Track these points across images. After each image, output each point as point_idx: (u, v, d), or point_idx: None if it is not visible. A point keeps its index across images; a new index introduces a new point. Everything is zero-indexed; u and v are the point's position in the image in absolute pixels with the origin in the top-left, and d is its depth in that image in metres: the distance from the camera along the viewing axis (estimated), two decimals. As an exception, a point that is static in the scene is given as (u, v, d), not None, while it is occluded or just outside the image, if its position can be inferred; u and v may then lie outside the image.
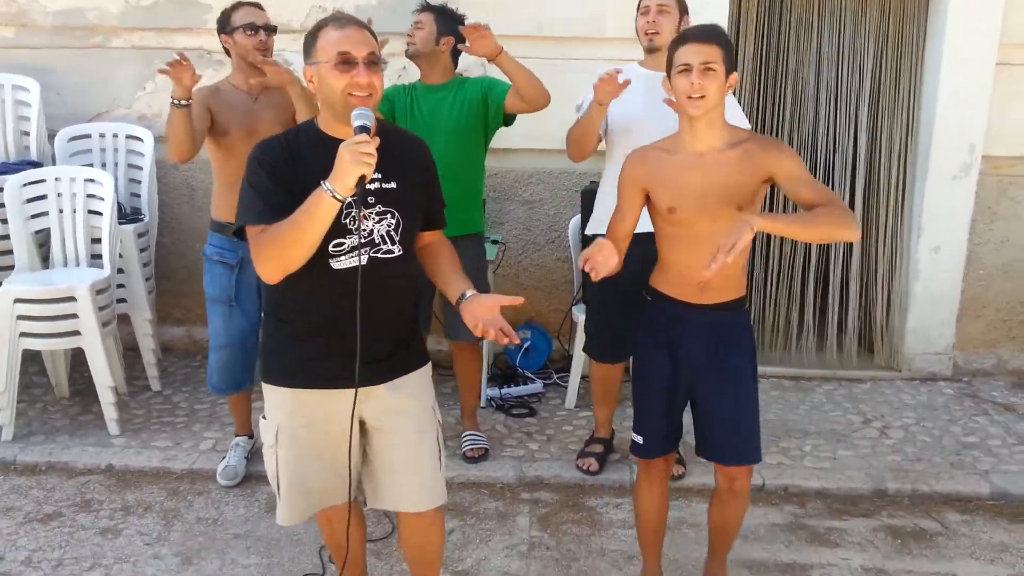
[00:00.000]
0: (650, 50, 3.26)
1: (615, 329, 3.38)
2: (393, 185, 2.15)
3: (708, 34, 2.38)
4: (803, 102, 4.64)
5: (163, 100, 4.55)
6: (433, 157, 2.34)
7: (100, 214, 4.02)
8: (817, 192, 2.39)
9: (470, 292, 2.21)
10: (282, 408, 2.24)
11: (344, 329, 2.08)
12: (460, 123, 3.44)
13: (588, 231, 3.54)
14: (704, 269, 2.22)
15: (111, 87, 4.67)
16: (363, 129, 1.96)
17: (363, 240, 2.11)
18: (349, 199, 1.98)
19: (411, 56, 3.50)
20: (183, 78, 3.05)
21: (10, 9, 4.60)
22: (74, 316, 3.70)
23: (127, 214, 4.36)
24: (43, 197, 4.04)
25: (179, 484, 3.48)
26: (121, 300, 4.19)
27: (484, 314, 2.14)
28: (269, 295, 2.24)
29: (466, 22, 3.44)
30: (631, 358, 2.99)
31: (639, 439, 2.63)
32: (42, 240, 4.14)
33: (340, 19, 2.11)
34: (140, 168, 4.48)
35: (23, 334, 3.71)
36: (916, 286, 4.60)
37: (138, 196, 4.49)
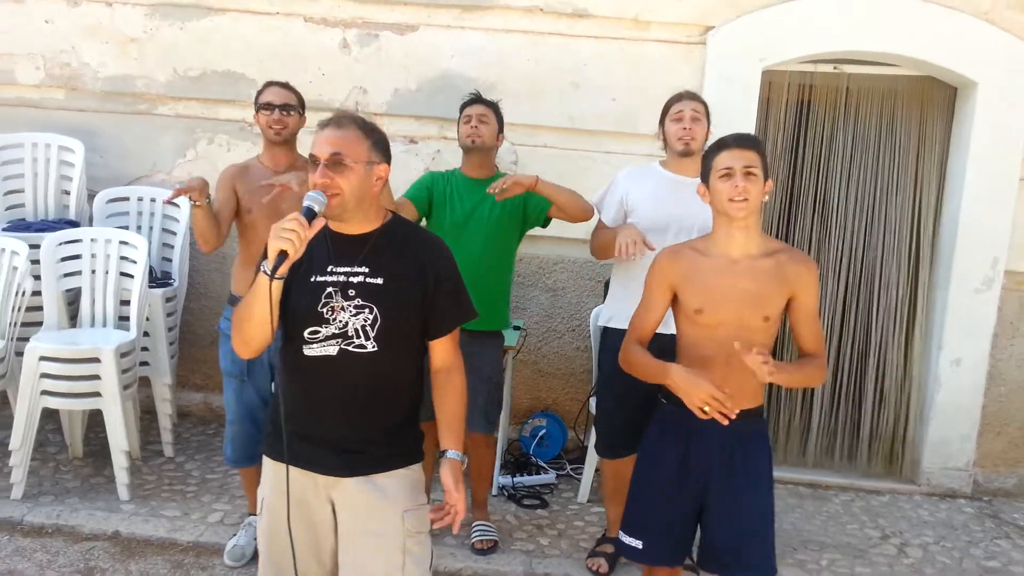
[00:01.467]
0: (685, 154, 3.32)
1: (626, 424, 3.34)
2: (379, 281, 2.14)
3: (748, 140, 2.46)
4: (827, 211, 4.69)
5: (202, 168, 4.72)
6: (452, 259, 2.28)
7: (132, 276, 4.08)
8: (815, 338, 2.51)
9: (450, 453, 2.18)
10: (268, 479, 2.25)
11: (317, 415, 2.12)
12: (501, 221, 3.48)
13: (601, 322, 3.55)
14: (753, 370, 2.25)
15: (153, 153, 4.80)
16: (308, 211, 2.00)
17: (336, 332, 2.12)
18: (329, 288, 2.09)
19: (472, 149, 3.51)
20: (194, 193, 3.14)
21: (64, 72, 4.78)
22: (96, 377, 3.73)
23: (157, 278, 4.43)
24: (77, 257, 4.11)
25: (184, 556, 3.45)
26: (143, 363, 4.22)
27: (455, 486, 2.13)
28: (276, 376, 2.30)
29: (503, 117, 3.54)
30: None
31: (636, 543, 2.55)
32: (72, 298, 4.20)
33: (328, 119, 2.17)
34: (174, 233, 4.57)
35: (44, 392, 3.74)
36: (936, 398, 4.56)
37: (170, 260, 4.57)
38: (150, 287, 4.21)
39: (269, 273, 1.96)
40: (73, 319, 4.19)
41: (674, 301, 2.55)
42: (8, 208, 4.57)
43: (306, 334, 2.12)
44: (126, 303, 4.10)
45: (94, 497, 3.80)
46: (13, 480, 3.73)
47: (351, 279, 2.13)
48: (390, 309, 2.14)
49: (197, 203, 3.16)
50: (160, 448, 4.30)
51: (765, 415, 2.64)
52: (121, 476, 3.79)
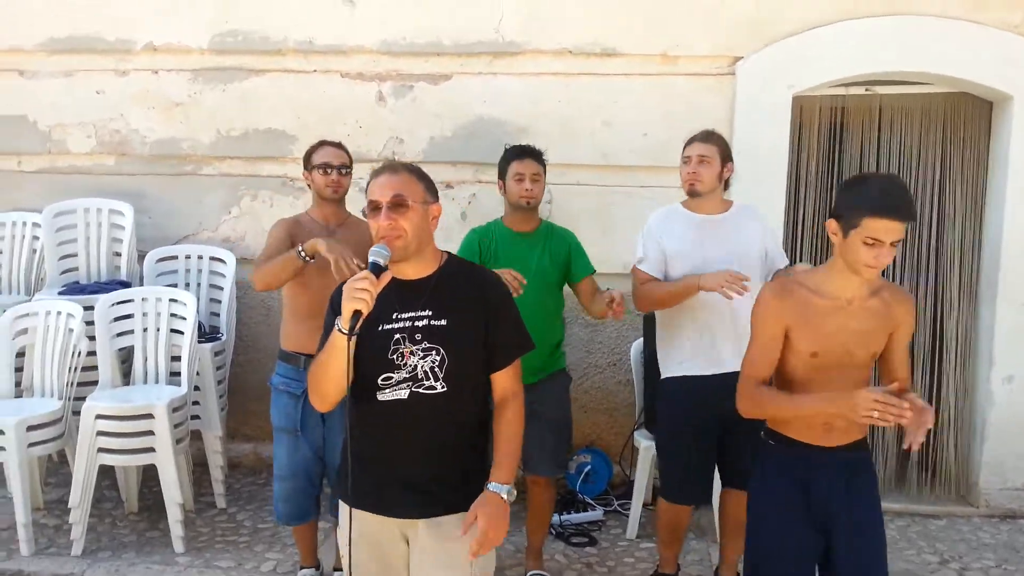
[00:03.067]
0: (692, 195, 3.41)
1: (691, 465, 3.35)
2: (443, 323, 2.21)
3: (907, 213, 2.32)
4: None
5: (246, 224, 4.88)
6: (508, 293, 2.37)
7: (181, 333, 4.21)
8: (905, 371, 2.51)
9: (491, 486, 2.19)
10: (347, 524, 2.30)
11: (391, 459, 2.17)
12: (548, 272, 3.51)
13: (665, 374, 3.46)
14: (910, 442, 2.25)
15: (199, 211, 4.96)
16: (374, 266, 2.07)
17: (406, 376, 2.18)
18: (396, 335, 2.16)
19: (526, 209, 3.51)
20: (343, 270, 3.05)
21: (113, 139, 4.98)
22: (150, 433, 3.83)
23: (206, 332, 4.55)
24: (130, 316, 4.26)
25: (239, 606, 3.52)
26: (194, 416, 4.32)
27: (479, 520, 2.13)
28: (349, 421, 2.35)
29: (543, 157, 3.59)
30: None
31: None
32: (124, 356, 4.34)
33: (380, 168, 2.26)
34: (221, 288, 4.70)
35: (101, 449, 3.85)
36: (990, 416, 4.45)
37: (217, 315, 4.69)
38: (199, 342, 4.33)
39: (346, 332, 2.04)
40: (126, 376, 4.32)
41: (784, 342, 2.49)
42: (63, 272, 4.75)
43: (379, 381, 2.18)
44: (177, 359, 4.22)
45: (150, 551, 3.89)
46: (73, 536, 3.83)
47: (416, 323, 2.20)
48: (456, 349, 2.21)
49: (310, 259, 3.19)
50: (212, 500, 4.39)
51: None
52: (176, 529, 3.87)
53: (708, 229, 3.34)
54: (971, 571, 3.87)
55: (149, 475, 4.20)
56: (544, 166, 3.57)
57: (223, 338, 4.59)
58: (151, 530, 4.09)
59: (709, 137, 3.42)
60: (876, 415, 2.22)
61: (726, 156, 3.41)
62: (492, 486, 2.19)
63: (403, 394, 2.19)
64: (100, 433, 3.83)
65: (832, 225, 2.40)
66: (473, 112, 4.70)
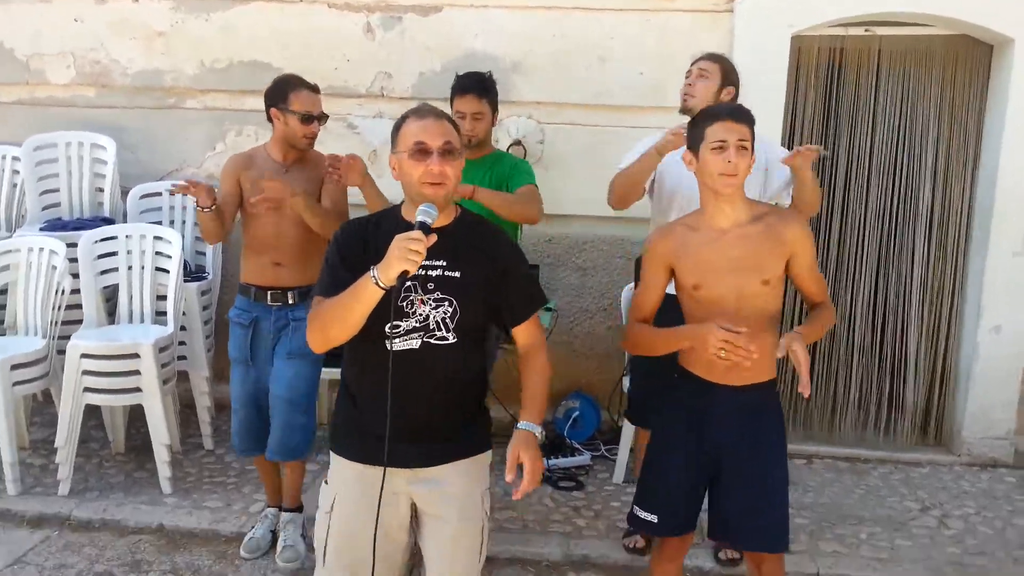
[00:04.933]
0: (683, 111, 3.32)
1: (658, 392, 3.38)
2: (457, 274, 2.20)
3: (743, 113, 2.44)
4: (861, 177, 4.59)
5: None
6: (518, 249, 2.37)
7: (167, 272, 4.15)
8: (820, 288, 2.53)
9: (521, 424, 2.21)
10: (341, 478, 2.30)
11: (397, 407, 2.13)
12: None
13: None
14: (802, 389, 2.28)
15: (182, 146, 4.85)
16: (422, 226, 2.03)
17: (417, 325, 2.18)
18: (409, 283, 2.12)
19: (467, 145, 3.46)
20: (200, 198, 3.16)
21: (93, 70, 4.83)
22: (136, 373, 3.81)
23: (192, 271, 4.49)
24: (114, 253, 4.19)
25: (227, 548, 3.53)
26: (181, 357, 4.29)
27: (525, 461, 2.15)
28: (342, 368, 2.34)
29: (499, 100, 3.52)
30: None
31: (651, 517, 2.59)
32: (109, 295, 4.28)
33: (420, 110, 2.22)
34: (206, 226, 4.61)
35: (87, 389, 3.82)
36: (976, 367, 4.47)
37: (203, 254, 4.63)
38: (185, 281, 4.27)
39: (385, 287, 2.01)
40: (111, 315, 4.27)
41: (675, 280, 2.55)
42: (44, 208, 4.65)
43: (387, 329, 2.14)
44: (162, 298, 4.17)
45: (138, 491, 3.90)
46: (60, 476, 3.83)
47: (430, 272, 2.18)
48: (467, 301, 2.20)
49: (204, 209, 3.19)
50: (200, 441, 4.39)
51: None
52: (163, 470, 3.88)
53: None
54: (951, 518, 3.92)
55: (136, 415, 4.19)
56: (490, 99, 3.50)
57: (209, 277, 4.53)
58: (138, 471, 4.10)
59: (714, 57, 3.36)
60: (723, 354, 2.27)
61: (729, 78, 3.32)
62: (524, 424, 2.19)
63: (415, 343, 2.17)
64: (85, 372, 3.80)
65: (687, 156, 2.48)
66: (464, 46, 4.57)
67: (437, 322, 2.18)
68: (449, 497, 2.26)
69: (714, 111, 2.49)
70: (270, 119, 3.36)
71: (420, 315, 2.18)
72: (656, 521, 2.59)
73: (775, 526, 2.51)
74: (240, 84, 4.74)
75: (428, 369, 2.19)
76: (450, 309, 2.18)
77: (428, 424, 2.23)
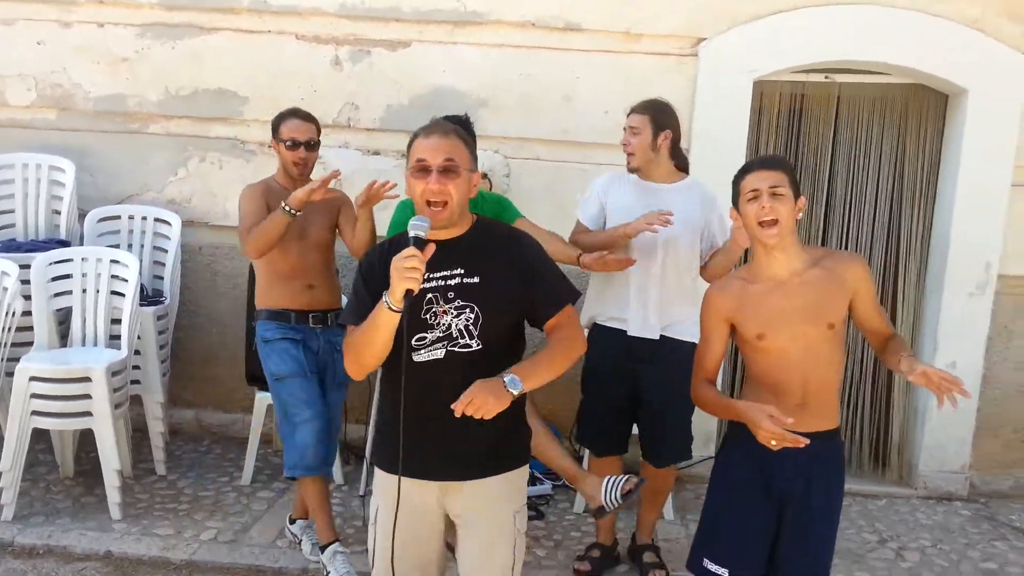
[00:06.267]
0: (630, 171, 3.45)
1: (602, 420, 3.48)
2: (476, 280, 2.18)
3: (773, 161, 2.45)
4: (820, 219, 4.70)
5: (193, 186, 4.73)
6: (540, 248, 2.32)
7: (122, 295, 4.07)
8: (884, 321, 2.50)
9: (506, 377, 2.10)
10: (382, 490, 2.29)
11: (429, 420, 2.13)
12: None
13: (584, 323, 3.49)
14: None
15: (144, 171, 4.81)
16: (416, 240, 2.03)
17: (440, 335, 2.16)
18: (429, 295, 2.14)
19: None
20: (316, 193, 3.16)
21: (55, 93, 4.79)
22: (87, 397, 3.71)
23: (149, 296, 4.42)
24: (68, 276, 4.10)
25: None
26: (135, 381, 4.20)
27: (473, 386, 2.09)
28: (379, 381, 2.35)
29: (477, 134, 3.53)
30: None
31: (722, 571, 2.48)
32: (63, 317, 4.18)
33: (429, 127, 2.23)
34: (165, 251, 4.56)
35: (35, 412, 3.71)
36: (931, 401, 4.49)
37: (161, 279, 4.56)
38: (141, 305, 4.20)
39: (397, 310, 2.02)
40: (64, 339, 4.17)
41: (736, 335, 2.50)
42: (-1, 229, 4.56)
43: (413, 342, 2.14)
44: (117, 322, 4.09)
45: (85, 517, 3.77)
46: (3, 501, 3.70)
47: (448, 282, 2.18)
48: (489, 305, 2.18)
49: (296, 212, 3.19)
50: (152, 466, 4.28)
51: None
52: (113, 495, 3.76)
53: (651, 194, 3.37)
54: (908, 550, 3.95)
55: (86, 439, 4.07)
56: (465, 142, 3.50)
57: (166, 301, 4.46)
58: (87, 495, 3.97)
59: (643, 108, 3.44)
60: (774, 443, 2.25)
61: (661, 124, 3.39)
62: (507, 377, 2.09)
63: (439, 353, 2.15)
64: (34, 396, 3.70)
65: (732, 213, 2.49)
66: (432, 82, 4.62)
67: (460, 330, 2.16)
68: (479, 514, 2.24)
69: (746, 165, 2.47)
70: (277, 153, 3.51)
71: (443, 325, 2.16)
72: (727, 574, 2.50)
73: (823, 572, 2.50)
74: (205, 111, 4.74)
75: (454, 378, 2.12)
76: (472, 316, 2.16)
77: (457, 435, 2.17)
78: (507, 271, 2.22)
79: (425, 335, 2.16)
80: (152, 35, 4.71)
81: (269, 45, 4.67)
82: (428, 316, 2.16)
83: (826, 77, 4.62)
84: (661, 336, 3.36)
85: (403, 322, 2.07)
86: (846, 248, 4.67)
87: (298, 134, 3.39)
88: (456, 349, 2.16)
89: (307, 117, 3.45)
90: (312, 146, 3.43)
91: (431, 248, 2.04)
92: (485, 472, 2.23)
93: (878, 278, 4.68)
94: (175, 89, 4.74)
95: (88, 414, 3.73)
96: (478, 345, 2.16)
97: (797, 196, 2.41)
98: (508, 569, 2.26)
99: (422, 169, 2.14)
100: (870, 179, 4.66)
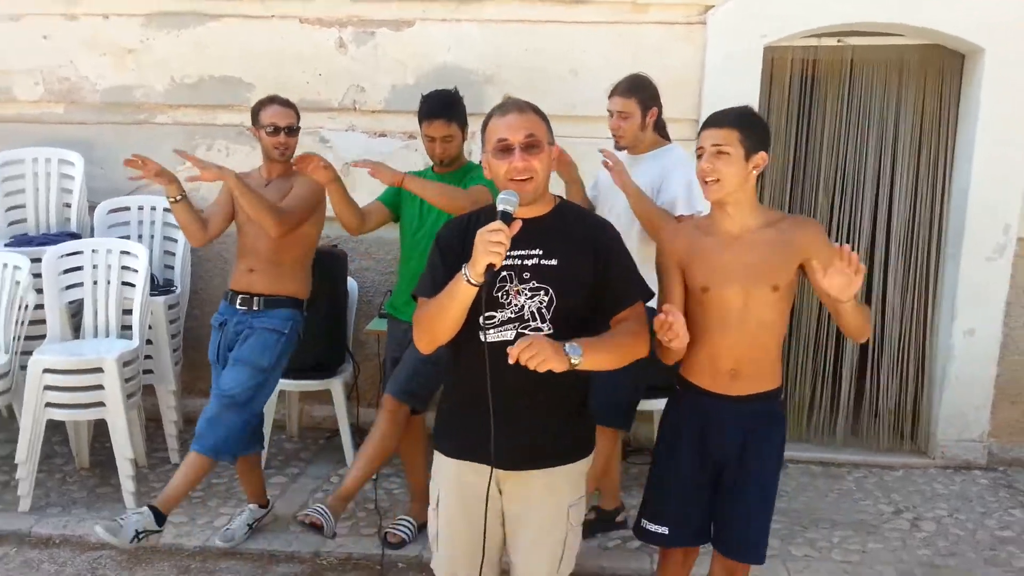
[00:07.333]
0: (617, 149, 3.47)
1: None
2: (553, 262, 2.14)
3: (722, 118, 2.40)
4: (836, 182, 4.60)
5: (202, 174, 4.72)
6: (620, 240, 2.27)
7: (133, 286, 4.10)
8: None
9: (569, 346, 2.02)
10: (443, 475, 2.28)
11: (495, 403, 2.06)
12: None
13: None
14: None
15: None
16: (503, 215, 1.99)
17: (512, 315, 2.12)
18: (504, 272, 2.09)
19: (440, 164, 3.54)
20: (146, 175, 3.28)
21: (62, 87, 4.81)
22: (100, 387, 3.75)
23: (160, 285, 4.45)
24: (79, 268, 4.14)
25: (191, 562, 3.47)
26: (147, 371, 4.24)
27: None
28: (445, 365, 2.32)
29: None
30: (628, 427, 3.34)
31: (662, 530, 2.53)
32: (75, 310, 4.23)
33: (504, 106, 2.20)
34: (175, 240, 4.58)
35: (49, 404, 3.77)
36: (950, 369, 4.47)
37: (172, 268, 4.58)
38: (152, 295, 4.23)
39: (477, 284, 1.97)
40: (76, 330, 4.21)
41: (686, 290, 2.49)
42: (10, 224, 4.61)
43: (481, 320, 2.09)
44: (128, 312, 4.12)
45: (100, 507, 3.82)
46: (20, 493, 3.76)
47: (525, 262, 2.13)
48: (565, 290, 2.13)
49: (172, 200, 3.35)
50: (166, 455, 4.32)
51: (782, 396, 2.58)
52: (127, 484, 3.81)
53: (631, 165, 3.39)
54: (924, 520, 3.91)
55: (101, 430, 4.12)
56: (459, 120, 3.48)
57: (177, 291, 4.49)
58: (102, 486, 4.03)
59: (628, 90, 3.41)
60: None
61: (648, 103, 3.40)
62: (569, 346, 2.01)
63: (509, 335, 2.10)
64: (48, 387, 3.74)
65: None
66: (437, 60, 4.58)
67: (532, 312, 2.11)
68: (533, 504, 2.21)
69: (706, 119, 2.45)
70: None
71: (515, 305, 2.12)
72: (667, 533, 2.53)
73: (757, 537, 2.48)
74: (211, 99, 4.73)
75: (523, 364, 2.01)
76: (546, 299, 2.12)
77: (520, 421, 2.14)
78: (585, 257, 2.17)
79: (495, 314, 2.12)
80: (156, 24, 4.71)
81: (273, 30, 4.65)
82: (500, 295, 2.12)
83: (839, 41, 4.50)
84: None
85: (481, 296, 2.02)
86: (861, 218, 4.57)
87: (278, 119, 3.45)
88: (527, 332, 2.10)
89: (286, 103, 3.51)
90: (292, 131, 3.49)
91: (517, 224, 1.98)
92: (544, 462, 2.19)
93: (895, 246, 4.58)
94: (180, 78, 4.74)
95: (101, 404, 3.77)
96: (549, 329, 2.10)
97: (755, 152, 2.36)
98: (556, 561, 2.23)
99: (504, 149, 2.11)
100: (886, 143, 4.54)
